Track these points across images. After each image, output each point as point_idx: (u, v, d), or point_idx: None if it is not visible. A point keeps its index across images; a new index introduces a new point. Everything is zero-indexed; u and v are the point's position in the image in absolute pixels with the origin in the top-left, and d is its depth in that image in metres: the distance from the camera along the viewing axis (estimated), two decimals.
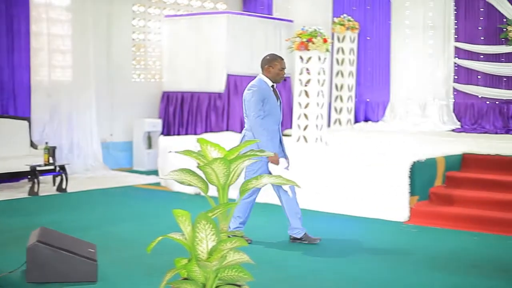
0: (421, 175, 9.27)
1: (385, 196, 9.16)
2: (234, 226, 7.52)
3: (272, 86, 7.50)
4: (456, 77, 14.92)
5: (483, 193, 9.26)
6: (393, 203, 9.09)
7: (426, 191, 9.42)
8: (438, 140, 11.99)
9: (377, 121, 15.62)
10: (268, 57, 7.59)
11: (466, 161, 10.12)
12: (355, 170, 9.52)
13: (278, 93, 7.58)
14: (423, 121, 14.92)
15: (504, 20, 14.29)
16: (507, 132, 14.09)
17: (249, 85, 7.50)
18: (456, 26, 14.92)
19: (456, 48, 14.88)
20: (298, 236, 7.63)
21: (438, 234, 8.28)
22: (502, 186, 9.38)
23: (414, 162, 9.16)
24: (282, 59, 7.59)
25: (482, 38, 14.60)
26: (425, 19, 15.12)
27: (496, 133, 14.09)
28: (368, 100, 15.91)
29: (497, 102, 14.49)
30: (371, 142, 11.67)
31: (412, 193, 9.11)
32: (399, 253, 7.28)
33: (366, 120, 15.84)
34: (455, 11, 14.91)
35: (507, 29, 14.16)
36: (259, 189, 7.36)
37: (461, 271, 6.56)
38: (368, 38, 15.79)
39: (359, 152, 10.15)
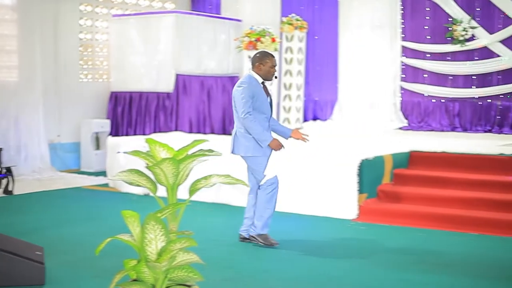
0: (369, 173, 9.36)
1: (334, 194, 9.23)
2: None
3: (262, 83, 7.45)
4: (403, 75, 15.11)
5: (430, 190, 9.40)
6: (342, 201, 9.16)
7: (374, 188, 9.52)
8: (385, 138, 12.13)
9: (326, 119, 15.74)
10: (259, 54, 7.53)
11: (413, 158, 10.25)
12: (303, 169, 9.57)
13: (268, 90, 7.54)
14: (371, 120, 15.06)
15: (450, 19, 14.52)
16: (453, 130, 14.32)
17: (239, 82, 7.43)
18: (403, 26, 15.10)
19: (403, 47, 15.07)
20: (246, 236, 7.63)
21: (386, 231, 8.37)
22: (448, 182, 9.52)
23: (362, 160, 9.25)
24: (273, 57, 7.53)
25: (429, 37, 14.81)
26: (372, 19, 15.27)
27: (442, 130, 14.32)
28: (316, 99, 16.01)
29: (443, 100, 14.70)
30: (319, 141, 11.73)
31: (361, 191, 9.19)
32: (347, 250, 7.34)
33: (315, 119, 15.94)
34: (402, 10, 15.09)
35: (452, 28, 14.38)
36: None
37: (408, 267, 6.64)
38: (316, 37, 15.89)
39: (308, 151, 10.19)
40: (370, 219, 8.91)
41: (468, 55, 14.44)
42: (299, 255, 7.08)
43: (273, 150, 7.36)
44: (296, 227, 8.63)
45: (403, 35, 15.11)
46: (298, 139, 7.61)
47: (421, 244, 7.65)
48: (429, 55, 14.83)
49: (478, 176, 9.50)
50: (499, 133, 13.74)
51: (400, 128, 14.75)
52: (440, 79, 14.75)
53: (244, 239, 7.65)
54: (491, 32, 14.22)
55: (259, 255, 7.07)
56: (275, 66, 7.49)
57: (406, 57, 15.06)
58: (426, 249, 7.40)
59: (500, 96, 14.20)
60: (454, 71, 14.51)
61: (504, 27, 14.13)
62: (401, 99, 15.16)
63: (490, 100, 14.26)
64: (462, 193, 9.18)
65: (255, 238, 7.51)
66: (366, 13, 15.31)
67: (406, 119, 15.04)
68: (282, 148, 7.38)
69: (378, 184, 9.61)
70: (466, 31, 14.25)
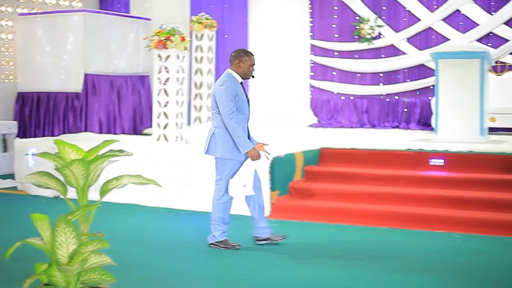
0: (280, 170, 9.43)
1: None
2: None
3: (241, 82, 7.30)
4: (312, 73, 15.31)
5: (340, 186, 9.55)
6: None
7: (286, 185, 9.61)
8: (296, 136, 12.26)
9: None
10: (239, 52, 7.34)
11: (323, 155, 10.39)
12: (214, 167, 9.54)
13: (245, 89, 7.41)
14: (281, 117, 15.19)
15: (357, 18, 14.79)
16: (361, 126, 14.60)
17: (221, 80, 7.24)
18: (312, 24, 15.30)
19: (312, 46, 15.27)
20: (264, 236, 7.48)
21: (299, 227, 8.45)
22: (358, 178, 9.70)
23: (274, 158, 9.31)
24: (253, 55, 7.38)
25: (337, 35, 15.05)
26: (281, 17, 15.39)
27: (351, 127, 14.58)
28: None
29: (351, 98, 14.98)
30: None
31: (273, 188, 9.25)
32: (260, 248, 7.37)
33: None
34: (311, 9, 15.29)
35: (359, 27, 14.65)
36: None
37: (322, 262, 6.73)
38: (226, 36, 15.92)
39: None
40: (282, 216, 8.97)
41: (375, 53, 14.75)
42: (213, 255, 7.08)
43: (249, 158, 7.17)
44: (207, 226, 8.61)
45: (312, 34, 15.32)
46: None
47: (334, 240, 7.75)
48: (337, 53, 15.08)
49: (387, 171, 9.71)
50: (406, 129, 14.10)
51: (310, 126, 14.95)
52: (348, 76, 15.02)
53: (260, 240, 7.46)
54: (397, 30, 14.56)
55: (174, 256, 7.03)
56: (254, 64, 7.35)
57: (315, 55, 15.27)
58: (339, 244, 7.51)
59: (407, 92, 14.56)
60: (362, 68, 14.80)
61: (409, 25, 14.49)
62: (310, 96, 15.37)
63: (397, 97, 14.61)
64: (372, 188, 9.37)
65: (217, 245, 7.35)
66: (275, 11, 15.42)
67: (316, 116, 15.25)
68: (259, 158, 7.19)
69: (289, 181, 9.69)
70: (373, 29, 14.56)
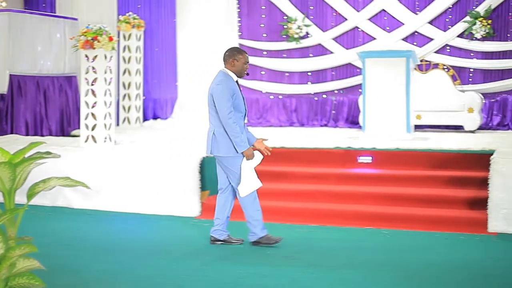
0: (210, 169, 9.42)
1: (177, 192, 9.23)
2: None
3: (236, 81, 7.29)
4: None
5: (270, 185, 9.56)
6: (185, 199, 9.18)
7: (216, 185, 9.58)
8: None
9: (166, 118, 15.73)
10: (232, 50, 7.35)
11: None
12: (145, 168, 9.51)
13: (240, 87, 7.38)
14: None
15: (285, 17, 14.89)
16: (290, 125, 14.71)
17: (217, 79, 7.26)
18: (240, 24, 15.33)
19: (240, 45, 15.29)
20: (221, 238, 7.51)
21: (231, 226, 8.44)
22: (288, 177, 9.76)
23: (204, 158, 9.31)
24: (246, 53, 7.37)
25: (265, 35, 15.12)
26: (209, 17, 15.38)
27: (281, 126, 14.68)
28: (156, 97, 15.95)
29: (280, 97, 15.08)
30: (161, 139, 11.72)
31: (203, 188, 9.25)
32: (192, 248, 7.37)
33: (155, 117, 15.89)
34: (238, 8, 15.33)
35: (287, 26, 14.75)
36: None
37: (254, 260, 6.76)
38: (154, 36, 15.82)
39: (149, 149, 10.16)
40: (213, 215, 8.95)
41: (303, 52, 14.88)
42: (144, 256, 7.02)
43: (244, 158, 7.19)
44: (139, 227, 8.57)
45: (240, 33, 15.36)
46: (259, 149, 7.35)
47: None
48: (265, 53, 15.15)
49: (316, 169, 9.80)
50: (334, 127, 14.27)
51: None
52: (277, 76, 15.12)
53: (215, 240, 7.47)
54: (324, 29, 14.72)
55: (105, 258, 6.95)
56: (248, 62, 7.35)
57: None
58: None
59: (335, 91, 14.73)
60: (290, 68, 14.91)
61: (336, 25, 14.66)
62: None
63: (325, 96, 14.77)
64: (302, 186, 9.45)
65: (259, 243, 7.35)
66: (203, 11, 15.40)
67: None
68: (253, 158, 7.21)
69: None
70: (301, 29, 14.69)
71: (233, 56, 7.27)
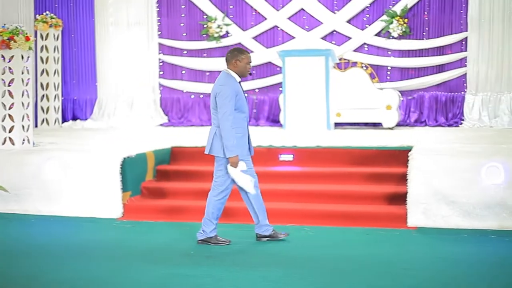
0: (132, 170, 9.35)
1: (98, 194, 9.11)
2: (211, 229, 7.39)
3: (239, 81, 7.22)
4: (161, 72, 15.27)
5: (193, 184, 9.57)
6: (106, 201, 9.07)
7: (138, 186, 9.53)
8: (147, 135, 12.18)
9: (86, 119, 15.52)
10: (234, 51, 7.27)
11: (175, 154, 10.39)
12: (65, 170, 9.35)
13: (242, 88, 7.31)
14: (131, 117, 15.07)
15: (205, 17, 14.87)
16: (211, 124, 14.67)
17: (221, 80, 7.17)
18: (159, 23, 15.25)
19: (160, 45, 15.22)
20: (267, 234, 7.47)
21: (153, 227, 8.41)
22: (210, 176, 9.62)
23: (125, 158, 9.22)
24: (248, 53, 7.31)
25: (185, 34, 15.07)
26: (128, 16, 15.26)
27: (202, 125, 14.65)
28: (75, 98, 15.73)
29: (201, 96, 15.06)
30: (80, 140, 11.54)
31: (124, 189, 9.15)
32: (114, 250, 7.29)
33: (75, 118, 15.65)
34: (158, 8, 15.24)
35: (207, 26, 14.74)
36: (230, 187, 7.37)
37: (179, 261, 6.73)
38: (72, 35, 15.59)
39: (69, 151, 9.99)
40: (135, 216, 8.90)
41: (224, 51, 14.85)
42: (65, 259, 6.90)
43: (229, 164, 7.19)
44: (60, 230, 8.42)
45: (160, 32, 15.27)
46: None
47: (188, 238, 7.75)
48: (186, 52, 15.11)
49: None
50: (256, 126, 14.32)
51: (161, 125, 14.91)
52: (197, 75, 15.10)
53: (261, 237, 7.52)
54: (244, 29, 14.76)
55: (23, 263, 6.80)
56: (250, 62, 7.31)
57: (164, 54, 15.23)
58: (193, 242, 7.50)
59: (256, 90, 14.78)
60: (211, 67, 14.90)
61: (256, 24, 14.72)
62: (160, 95, 15.32)
63: (246, 95, 14.75)
64: None
65: (207, 241, 7.37)
66: (122, 10, 15.27)
67: (166, 115, 15.23)
68: (236, 167, 7.15)
69: (141, 181, 9.62)
70: (221, 28, 14.69)
71: (236, 56, 7.25)
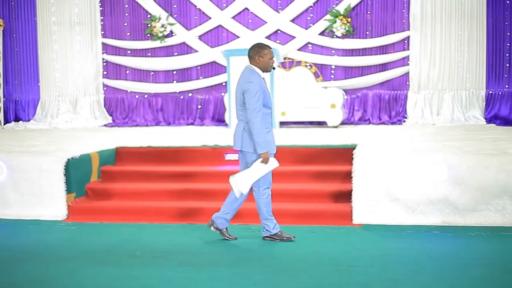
0: (76, 171, 9.24)
1: (42, 196, 8.98)
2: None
3: (263, 77, 7.17)
4: (105, 72, 15.13)
5: (138, 185, 9.51)
6: (50, 203, 8.95)
7: (83, 187, 9.43)
8: (91, 136, 12.05)
9: (29, 120, 15.30)
10: (256, 47, 7.21)
11: (120, 154, 10.30)
12: (8, 172, 9.19)
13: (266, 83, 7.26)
14: (75, 118, 14.92)
15: (149, 16, 14.79)
16: (157, 124, 14.64)
17: (247, 76, 7.12)
18: (103, 22, 15.12)
19: (104, 44, 15.09)
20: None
21: (98, 229, 8.33)
22: (156, 176, 9.70)
23: (69, 159, 9.11)
24: (271, 48, 7.24)
25: (129, 34, 14.96)
26: (71, 15, 15.10)
27: (147, 125, 14.58)
28: (17, 99, 15.49)
29: (146, 96, 14.97)
30: (23, 141, 11.37)
31: (69, 190, 9.05)
32: (60, 252, 7.19)
33: (17, 119, 15.43)
34: (101, 7, 15.11)
35: (151, 25, 14.66)
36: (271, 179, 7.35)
37: (124, 262, 6.68)
38: (14, 35, 15.36)
39: (12, 152, 9.83)
40: (80, 218, 8.81)
41: (168, 51, 14.84)
42: (10, 262, 6.80)
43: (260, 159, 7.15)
44: (4, 233, 8.28)
45: (103, 32, 15.13)
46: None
47: (134, 239, 7.71)
48: (130, 52, 15.01)
49: (184, 168, 9.79)
50: (201, 125, 14.31)
51: (105, 125, 14.78)
52: (142, 75, 15.02)
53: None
54: (188, 28, 14.73)
55: None
56: (273, 57, 7.26)
57: (107, 54, 15.10)
58: (139, 243, 7.48)
59: (200, 89, 14.77)
60: (155, 66, 14.83)
61: (200, 23, 14.70)
62: (104, 96, 15.18)
63: (191, 94, 14.78)
64: (170, 185, 9.40)
65: (273, 238, 7.41)
66: (64, 9, 15.11)
67: (111, 115, 15.11)
68: (267, 163, 7.15)
69: (86, 183, 9.52)
70: (165, 27, 14.65)
71: (259, 52, 7.24)
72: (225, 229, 7.56)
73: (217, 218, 7.54)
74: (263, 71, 7.29)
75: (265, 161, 7.19)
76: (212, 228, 7.54)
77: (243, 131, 7.26)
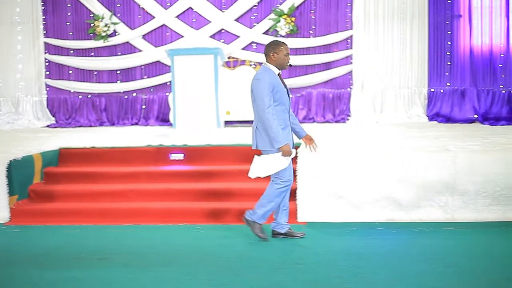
0: (18, 173, 9.10)
1: None
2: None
3: (279, 74, 7.10)
4: (48, 72, 14.95)
5: (83, 186, 9.41)
6: None
7: (25, 189, 9.29)
8: (33, 137, 11.89)
9: None
10: (271, 44, 7.15)
11: (63, 156, 10.17)
12: None
13: (283, 80, 7.16)
14: (17, 119, 14.70)
15: (92, 15, 14.65)
16: (100, 125, 14.51)
17: (257, 74, 7.07)
18: (45, 22, 14.93)
19: (46, 44, 14.90)
20: (282, 231, 7.42)
21: (42, 231, 8.22)
22: (100, 177, 9.61)
23: (11, 161, 8.97)
24: (286, 44, 7.18)
25: (71, 33, 14.81)
26: (13, 14, 14.88)
27: (91, 126, 14.44)
28: None
29: (89, 96, 14.82)
30: None
31: (11, 192, 8.90)
32: (1, 255, 7.09)
33: None
34: (43, 6, 14.92)
35: (94, 24, 14.52)
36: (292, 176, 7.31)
37: (67, 264, 6.61)
38: None
39: None
40: (23, 221, 8.68)
41: (111, 51, 14.72)
42: None
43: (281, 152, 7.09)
44: None
45: (45, 32, 14.94)
46: (307, 145, 7.39)
47: (78, 241, 7.64)
48: (72, 51, 14.85)
49: (129, 168, 9.72)
50: (145, 125, 14.23)
51: (48, 126, 14.59)
52: (85, 75, 14.87)
53: (277, 234, 7.53)
54: (132, 27, 14.63)
55: None
56: (289, 53, 7.19)
57: (50, 53, 14.91)
58: (84, 245, 7.41)
59: (145, 89, 14.69)
60: (99, 66, 14.70)
61: (144, 23, 14.62)
62: (47, 96, 15.00)
63: (135, 94, 14.69)
64: (115, 186, 9.33)
65: (249, 223, 7.42)
66: (6, 8, 14.87)
67: (54, 116, 14.92)
68: (290, 155, 7.09)
69: (29, 184, 9.38)
70: (108, 27, 14.52)
71: (273, 49, 7.20)
72: (288, 229, 7.55)
73: (276, 225, 7.55)
74: (279, 68, 7.26)
75: (286, 154, 7.15)
76: (279, 236, 7.56)
77: (256, 130, 7.25)
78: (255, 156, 7.35)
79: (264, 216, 7.39)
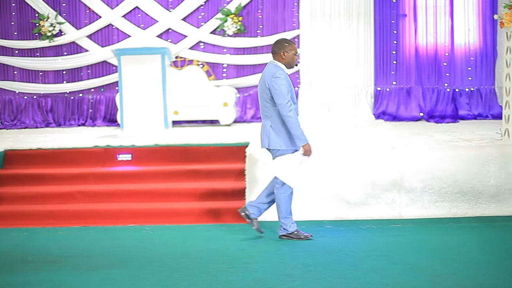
0: None
1: None
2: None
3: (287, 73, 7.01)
4: None
5: (30, 188, 9.30)
6: None
7: None
8: None
9: None
10: (281, 43, 7.08)
11: (8, 158, 10.03)
12: None
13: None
14: None
15: (36, 15, 14.47)
16: (47, 126, 14.34)
17: (272, 72, 6.98)
18: None
19: None
20: (248, 215, 7.48)
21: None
22: (47, 179, 9.51)
23: None
24: (294, 43, 7.11)
25: (16, 33, 14.60)
26: None
27: (37, 127, 14.26)
28: None
29: (35, 97, 14.64)
30: None
31: None
32: None
33: None
34: None
35: (40, 24, 14.35)
36: None
37: (13, 268, 6.54)
38: None
39: None
40: None
41: (57, 51, 14.55)
42: None
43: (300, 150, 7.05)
44: None
45: None
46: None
47: (26, 244, 7.57)
48: (17, 52, 14.64)
49: (76, 169, 9.63)
50: (92, 126, 14.10)
51: None
52: (30, 75, 14.67)
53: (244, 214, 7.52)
54: (78, 27, 14.48)
55: None
56: (297, 52, 7.06)
57: None
58: (31, 248, 7.35)
59: (91, 90, 14.56)
60: (44, 66, 14.53)
61: (90, 22, 14.48)
62: None
63: (81, 94, 14.54)
64: (62, 188, 9.25)
65: (290, 237, 7.32)
66: None
67: None
68: (310, 155, 7.07)
69: None
70: (54, 26, 14.34)
71: (283, 48, 7.13)
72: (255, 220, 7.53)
73: (251, 207, 7.51)
74: (287, 67, 7.21)
75: (308, 153, 7.13)
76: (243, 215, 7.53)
77: (270, 128, 7.14)
78: (277, 159, 7.23)
79: (291, 223, 7.39)
